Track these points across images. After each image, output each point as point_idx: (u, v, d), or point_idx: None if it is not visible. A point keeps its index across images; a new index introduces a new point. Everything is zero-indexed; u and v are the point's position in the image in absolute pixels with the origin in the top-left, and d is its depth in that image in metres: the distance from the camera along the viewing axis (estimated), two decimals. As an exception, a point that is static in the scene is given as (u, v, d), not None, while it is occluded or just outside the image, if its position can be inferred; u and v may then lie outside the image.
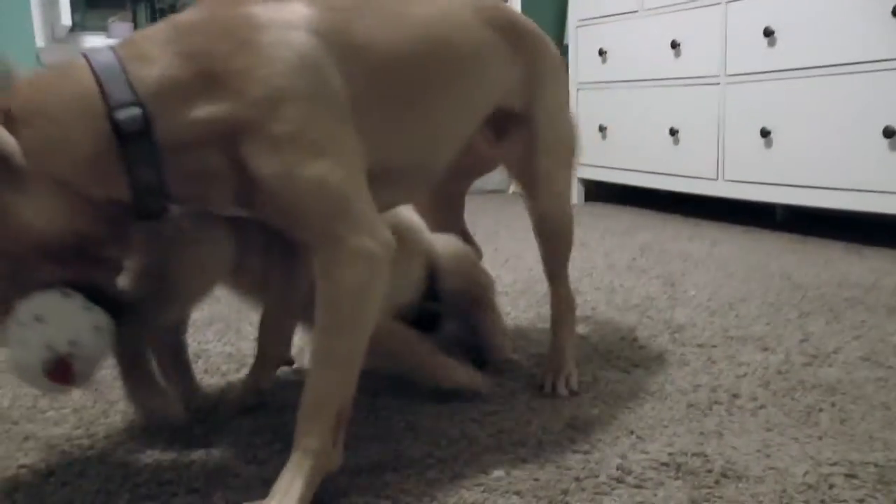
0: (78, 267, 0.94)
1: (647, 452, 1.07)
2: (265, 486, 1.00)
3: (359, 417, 1.21)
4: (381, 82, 0.99)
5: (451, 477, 1.02)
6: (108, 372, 1.43)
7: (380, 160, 1.00)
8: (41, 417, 1.25)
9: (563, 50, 4.16)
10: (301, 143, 0.89)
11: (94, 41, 3.74)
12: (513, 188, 4.34)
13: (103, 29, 3.93)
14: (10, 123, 0.86)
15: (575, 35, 3.79)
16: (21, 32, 3.64)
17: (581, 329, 1.66)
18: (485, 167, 1.50)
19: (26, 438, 1.17)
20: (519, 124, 1.30)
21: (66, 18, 3.64)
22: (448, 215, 1.62)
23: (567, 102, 1.40)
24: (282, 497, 0.90)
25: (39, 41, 3.60)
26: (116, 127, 0.86)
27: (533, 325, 1.71)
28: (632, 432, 1.14)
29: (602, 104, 3.64)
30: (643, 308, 1.83)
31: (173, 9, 4.31)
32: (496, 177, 4.34)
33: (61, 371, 0.94)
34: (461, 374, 1.29)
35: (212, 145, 0.89)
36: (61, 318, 0.93)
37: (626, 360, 1.46)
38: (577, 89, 3.78)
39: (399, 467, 1.04)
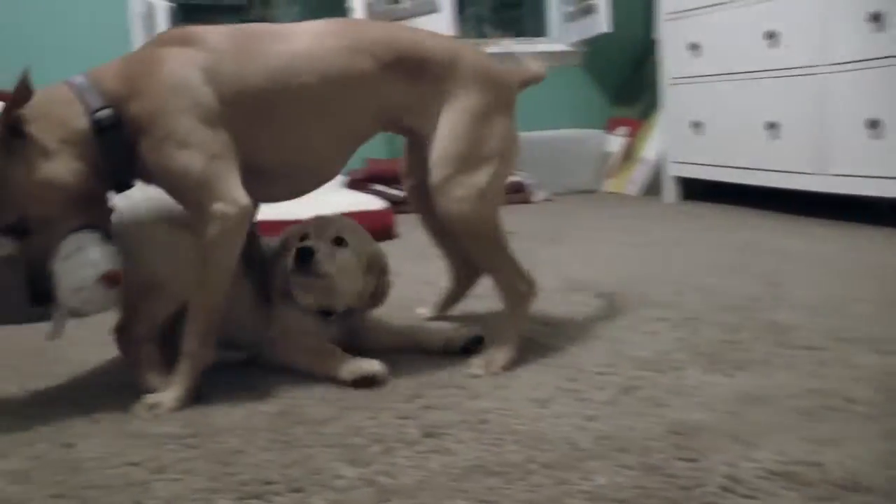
0: (88, 214, 1.31)
1: (756, 461, 1.03)
2: (368, 486, 1.01)
3: (458, 421, 1.21)
4: (243, 104, 1.36)
5: (554, 482, 1.00)
6: (210, 384, 1.46)
7: (252, 160, 1.38)
8: (149, 416, 1.29)
9: (652, 45, 4.07)
10: (172, 141, 1.30)
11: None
12: (606, 188, 4.28)
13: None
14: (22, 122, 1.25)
15: (665, 29, 3.70)
16: (120, 47, 3.77)
17: (681, 332, 1.62)
18: None
19: (136, 437, 1.21)
20: (425, 141, 1.48)
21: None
22: None
23: (488, 112, 1.47)
24: (174, 392, 1.32)
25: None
26: (96, 122, 1.29)
27: (630, 327, 1.68)
28: (739, 439, 1.10)
29: (695, 100, 3.54)
30: (745, 309, 1.77)
31: (264, 20, 4.41)
32: (588, 176, 4.28)
33: (111, 277, 1.30)
34: (357, 365, 1.39)
35: (132, 137, 1.31)
36: (92, 245, 1.29)
37: (729, 364, 1.41)
38: (669, 84, 3.70)
39: (501, 472, 1.03)
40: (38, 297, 1.29)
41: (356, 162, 3.96)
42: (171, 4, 3.89)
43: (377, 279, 1.56)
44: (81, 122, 1.29)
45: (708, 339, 1.56)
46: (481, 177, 1.45)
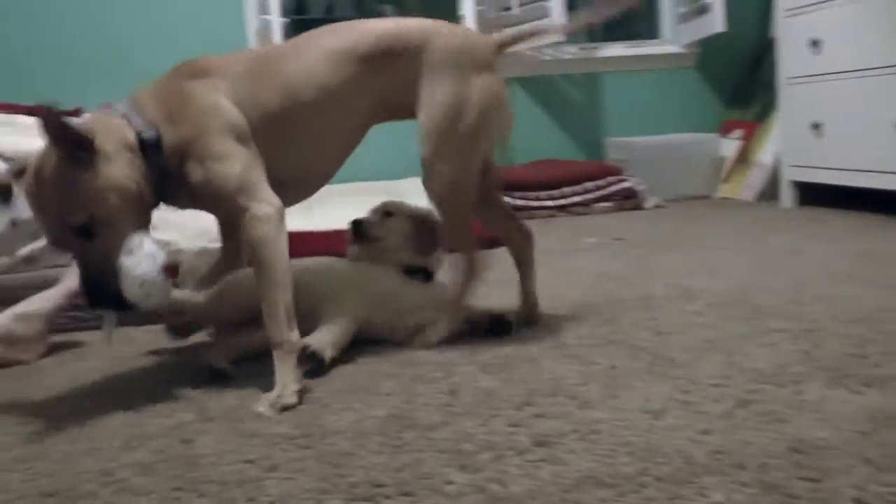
0: (141, 218, 1.45)
1: (889, 485, 0.97)
2: (478, 493, 1.00)
3: (569, 430, 1.19)
4: (262, 123, 1.53)
5: (668, 497, 0.97)
6: (321, 387, 1.49)
7: (271, 174, 1.54)
8: (264, 417, 1.33)
9: (769, 43, 3.93)
10: (212, 156, 1.47)
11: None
12: (719, 193, 4.16)
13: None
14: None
15: (784, 25, 3.57)
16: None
17: (801, 344, 1.55)
18: None
19: (251, 435, 1.25)
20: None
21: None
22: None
23: (466, 79, 1.60)
24: (285, 380, 1.39)
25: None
26: (142, 141, 1.44)
27: (746, 338, 1.62)
28: (868, 460, 1.04)
29: (815, 99, 3.40)
30: (872, 321, 1.68)
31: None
32: (701, 181, 4.17)
33: (171, 269, 1.44)
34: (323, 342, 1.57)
35: (172, 159, 1.46)
36: (148, 241, 1.41)
37: (855, 379, 1.34)
38: (787, 85, 3.56)
39: (613, 484, 1.01)
40: (99, 299, 1.40)
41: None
42: (285, 20, 4.02)
43: (426, 232, 1.80)
44: (132, 139, 1.44)
45: (831, 353, 1.49)
46: (462, 154, 1.61)
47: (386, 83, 1.61)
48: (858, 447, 1.08)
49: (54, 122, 1.32)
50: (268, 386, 1.41)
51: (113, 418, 1.36)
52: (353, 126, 1.66)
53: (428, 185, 1.63)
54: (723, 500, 0.96)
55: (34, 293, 1.82)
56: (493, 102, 1.62)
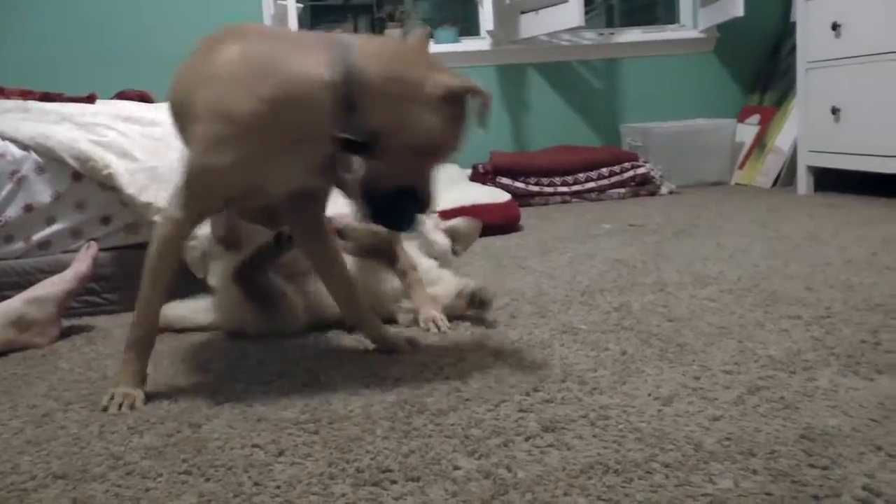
0: None
1: (899, 472, 0.96)
2: (486, 478, 1.00)
3: (578, 416, 1.18)
4: None
5: (675, 484, 0.96)
6: (331, 372, 1.49)
7: None
8: (272, 402, 1.33)
9: (791, 28, 3.88)
10: None
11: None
12: (735, 180, 4.13)
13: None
14: None
15: (804, 9, 3.51)
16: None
17: (814, 330, 1.53)
18: None
19: (259, 420, 1.25)
20: None
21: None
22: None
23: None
24: None
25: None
26: None
27: (759, 324, 1.60)
28: (879, 448, 1.03)
29: (835, 84, 3.35)
30: (888, 308, 1.66)
31: (392, 18, 4.47)
32: (718, 167, 4.13)
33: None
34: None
35: None
36: None
37: (868, 366, 1.33)
38: (806, 69, 3.51)
39: (621, 470, 1.00)
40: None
41: (482, 154, 3.97)
42: (300, 5, 4.00)
43: None
44: None
45: (844, 339, 1.47)
46: None
47: None
48: (870, 435, 1.07)
49: None
50: (277, 374, 1.40)
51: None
52: None
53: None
54: (731, 487, 0.95)
55: (47, 277, 1.83)
56: None
